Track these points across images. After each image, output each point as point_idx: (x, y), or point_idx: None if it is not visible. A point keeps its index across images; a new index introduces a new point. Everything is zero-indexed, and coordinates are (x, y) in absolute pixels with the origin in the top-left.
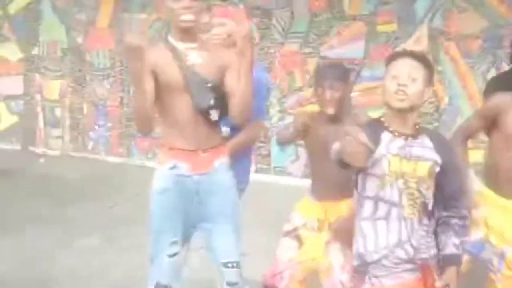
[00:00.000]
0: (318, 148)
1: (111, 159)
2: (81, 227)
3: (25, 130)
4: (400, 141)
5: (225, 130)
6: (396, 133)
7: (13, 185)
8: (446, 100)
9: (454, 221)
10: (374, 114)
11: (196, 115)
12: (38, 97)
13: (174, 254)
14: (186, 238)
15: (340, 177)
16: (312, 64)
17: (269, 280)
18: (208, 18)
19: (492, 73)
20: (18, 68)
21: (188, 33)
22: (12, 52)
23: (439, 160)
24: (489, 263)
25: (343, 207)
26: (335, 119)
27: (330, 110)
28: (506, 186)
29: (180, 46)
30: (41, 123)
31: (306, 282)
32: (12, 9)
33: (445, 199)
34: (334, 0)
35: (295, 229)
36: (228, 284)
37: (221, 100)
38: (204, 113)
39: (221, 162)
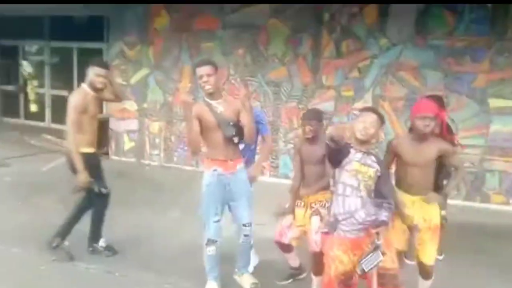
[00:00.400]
0: (303, 160)
1: (187, 167)
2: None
3: (138, 150)
4: (360, 155)
5: (240, 145)
6: (358, 150)
7: (131, 182)
8: (382, 135)
9: (385, 204)
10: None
11: (225, 140)
12: (146, 131)
13: (217, 221)
14: (222, 211)
15: (317, 177)
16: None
17: (277, 238)
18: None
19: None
20: (135, 115)
21: (213, 94)
22: (132, 105)
23: (379, 169)
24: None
25: (318, 195)
26: (312, 142)
27: (308, 136)
28: (408, 189)
29: (213, 102)
30: (147, 146)
31: (299, 239)
32: (133, 80)
33: (381, 192)
34: (317, 77)
35: (290, 209)
36: (245, 236)
37: (238, 131)
38: (229, 139)
39: (240, 166)
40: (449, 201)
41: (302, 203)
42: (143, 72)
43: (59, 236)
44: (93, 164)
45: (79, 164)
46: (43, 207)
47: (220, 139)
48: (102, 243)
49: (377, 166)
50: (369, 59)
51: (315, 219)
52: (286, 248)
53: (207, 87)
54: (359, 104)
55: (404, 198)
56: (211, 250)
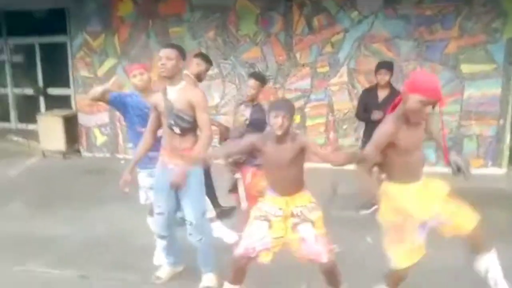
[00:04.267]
0: (271, 162)
1: None
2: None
3: (111, 144)
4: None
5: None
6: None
7: (106, 177)
8: None
9: None
10: (319, 120)
11: (168, 129)
12: (118, 124)
13: (160, 213)
14: (169, 205)
15: (292, 180)
16: (280, 93)
17: (243, 255)
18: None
19: None
20: (105, 107)
21: (170, 79)
22: None
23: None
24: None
25: (298, 199)
26: (281, 140)
27: (278, 132)
28: (402, 177)
29: (169, 88)
30: (120, 140)
31: (275, 253)
32: (100, 72)
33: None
34: (291, 55)
35: (265, 215)
36: (189, 234)
37: (181, 121)
38: (170, 128)
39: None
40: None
41: (281, 210)
42: (110, 62)
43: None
44: None
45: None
46: (12, 214)
47: (165, 128)
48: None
49: None
50: (341, 33)
51: (306, 228)
52: (240, 275)
53: (161, 70)
54: (335, 80)
55: (407, 189)
56: (161, 243)
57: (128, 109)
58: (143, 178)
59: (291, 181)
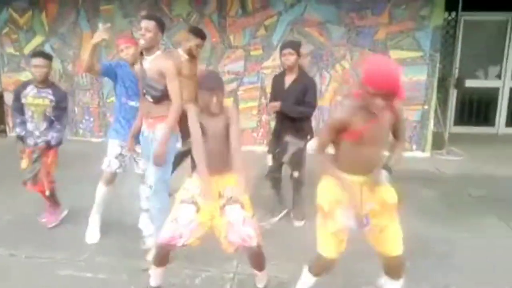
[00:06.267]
0: (204, 134)
1: (94, 140)
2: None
3: None
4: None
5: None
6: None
7: None
8: None
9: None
10: (251, 104)
11: (143, 97)
12: None
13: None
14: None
15: (222, 156)
16: None
17: (168, 241)
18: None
19: (317, 77)
20: None
21: (147, 49)
22: (27, 77)
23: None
24: (363, 224)
25: (227, 179)
26: (215, 114)
27: (214, 110)
28: (349, 168)
29: (146, 57)
30: None
31: (202, 238)
32: (27, 49)
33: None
34: (224, 37)
35: (192, 197)
36: (146, 197)
37: (152, 90)
38: (143, 96)
39: (161, 126)
40: None
41: None
42: (38, 40)
43: None
44: None
45: None
46: None
47: (141, 95)
48: None
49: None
50: (274, 16)
51: (234, 209)
52: (164, 259)
53: (141, 41)
54: (268, 63)
55: (350, 180)
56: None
57: (118, 80)
58: (113, 145)
59: (221, 158)
